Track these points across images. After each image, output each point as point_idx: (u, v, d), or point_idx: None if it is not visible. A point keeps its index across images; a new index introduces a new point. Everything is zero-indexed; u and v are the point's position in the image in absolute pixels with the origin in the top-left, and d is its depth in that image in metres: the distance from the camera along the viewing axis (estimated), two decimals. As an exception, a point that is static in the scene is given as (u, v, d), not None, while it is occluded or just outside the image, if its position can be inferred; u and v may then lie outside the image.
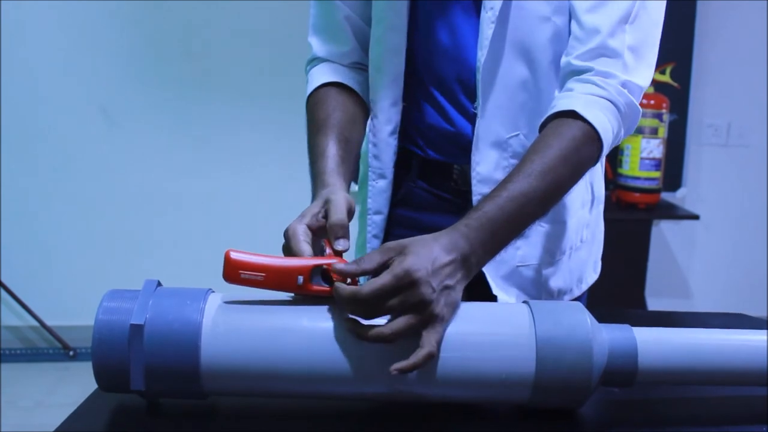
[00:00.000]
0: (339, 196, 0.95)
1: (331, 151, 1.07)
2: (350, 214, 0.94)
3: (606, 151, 1.02)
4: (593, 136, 0.99)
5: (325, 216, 0.93)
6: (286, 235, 0.91)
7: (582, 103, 1.00)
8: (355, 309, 0.81)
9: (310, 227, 0.91)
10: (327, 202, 0.94)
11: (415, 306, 0.80)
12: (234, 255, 0.82)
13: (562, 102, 1.01)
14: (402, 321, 0.80)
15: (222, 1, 2.90)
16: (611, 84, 1.02)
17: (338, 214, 0.92)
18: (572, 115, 0.99)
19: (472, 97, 1.12)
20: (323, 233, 0.92)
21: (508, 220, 0.91)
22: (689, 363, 0.89)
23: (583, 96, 1.01)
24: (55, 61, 2.92)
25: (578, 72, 1.04)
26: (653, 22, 1.06)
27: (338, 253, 0.90)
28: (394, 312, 0.81)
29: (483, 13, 1.07)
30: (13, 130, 2.93)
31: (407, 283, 0.80)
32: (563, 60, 1.06)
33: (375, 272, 0.83)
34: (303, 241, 0.89)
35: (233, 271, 0.82)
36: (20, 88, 2.91)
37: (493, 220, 0.90)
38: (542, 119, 1.03)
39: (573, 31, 1.06)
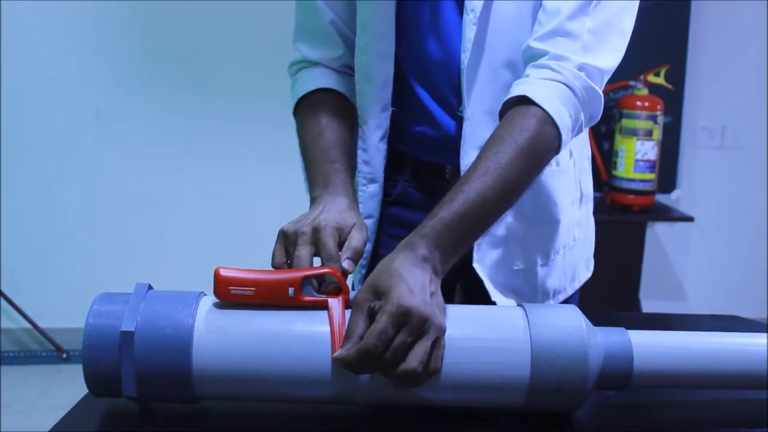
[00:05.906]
0: (356, 224, 0.95)
1: (334, 155, 1.07)
2: (357, 252, 0.93)
3: (566, 138, 0.98)
4: (549, 123, 0.96)
5: (341, 243, 0.92)
6: (295, 234, 0.91)
7: (534, 89, 0.97)
8: (375, 362, 0.78)
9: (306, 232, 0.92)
10: (341, 227, 0.93)
11: (422, 325, 0.79)
12: (223, 272, 0.83)
13: (516, 88, 0.99)
14: (420, 347, 0.79)
15: (216, 4, 2.89)
16: (566, 67, 0.98)
17: (355, 241, 0.92)
18: (525, 101, 0.96)
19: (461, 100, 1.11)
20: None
21: (465, 222, 0.89)
22: (684, 366, 0.89)
23: (536, 81, 0.98)
24: (49, 64, 2.90)
25: (536, 56, 1.01)
26: (622, 6, 1.02)
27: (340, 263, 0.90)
28: (409, 345, 0.79)
29: (465, 16, 1.06)
30: (7, 133, 2.92)
31: (404, 311, 0.78)
32: (524, 45, 1.03)
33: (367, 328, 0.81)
34: (309, 244, 0.90)
35: (224, 288, 0.83)
36: (14, 91, 2.89)
37: (449, 226, 0.88)
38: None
39: (537, 16, 1.03)
